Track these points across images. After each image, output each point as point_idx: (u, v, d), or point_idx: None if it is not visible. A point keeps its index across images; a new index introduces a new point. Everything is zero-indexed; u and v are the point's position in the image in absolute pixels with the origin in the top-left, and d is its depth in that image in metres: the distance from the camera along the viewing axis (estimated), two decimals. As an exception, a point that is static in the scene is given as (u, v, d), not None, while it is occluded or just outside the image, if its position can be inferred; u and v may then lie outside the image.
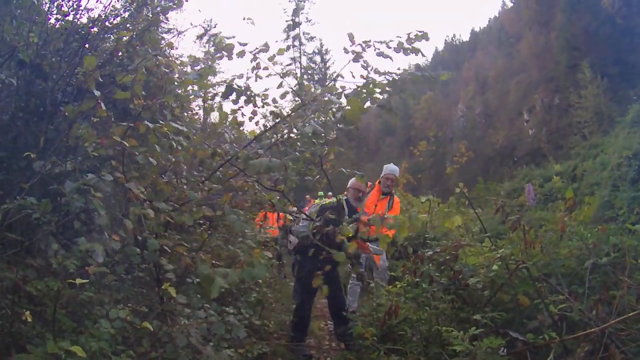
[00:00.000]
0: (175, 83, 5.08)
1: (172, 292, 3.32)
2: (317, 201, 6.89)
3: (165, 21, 5.93)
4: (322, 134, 3.80)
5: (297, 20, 47.96)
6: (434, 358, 3.58)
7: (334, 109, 3.78)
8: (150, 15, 6.00)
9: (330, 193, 22.69)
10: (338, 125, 3.69)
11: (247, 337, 4.19)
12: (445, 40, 73.70)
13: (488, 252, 3.87)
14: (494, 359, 3.03)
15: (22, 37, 4.40)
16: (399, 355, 3.76)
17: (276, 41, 63.16)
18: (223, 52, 4.04)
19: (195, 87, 4.18)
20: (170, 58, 5.72)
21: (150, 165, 3.79)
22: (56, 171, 3.48)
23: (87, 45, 4.90)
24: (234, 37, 4.05)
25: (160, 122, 3.90)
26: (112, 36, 5.45)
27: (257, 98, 4.20)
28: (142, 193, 3.48)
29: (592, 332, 2.99)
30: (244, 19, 4.46)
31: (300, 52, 48.67)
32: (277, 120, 4.31)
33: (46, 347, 2.62)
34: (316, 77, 48.75)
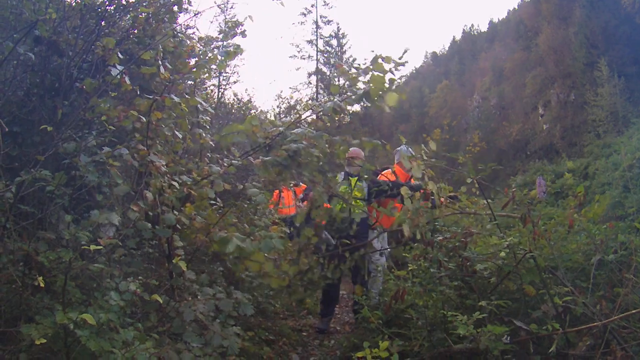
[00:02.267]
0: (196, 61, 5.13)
1: (182, 266, 3.37)
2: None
3: (189, 4, 5.93)
4: (343, 111, 3.83)
5: (314, 3, 47.71)
6: (437, 343, 3.61)
7: (357, 86, 3.77)
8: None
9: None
10: (360, 102, 3.68)
11: (254, 316, 4.24)
12: (463, 29, 73.22)
13: (496, 241, 3.88)
14: (497, 345, 3.05)
15: (41, 13, 4.43)
16: (403, 340, 3.79)
17: (293, 23, 62.76)
18: (237, 30, 4.10)
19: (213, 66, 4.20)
20: (190, 39, 5.74)
21: (176, 138, 3.87)
22: (72, 147, 3.52)
23: (103, 23, 4.93)
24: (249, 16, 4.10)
25: (186, 95, 3.99)
26: (129, 15, 5.46)
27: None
28: (163, 166, 3.54)
29: (594, 326, 3.00)
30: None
31: (317, 35, 48.42)
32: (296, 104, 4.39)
33: (55, 317, 2.66)
34: (332, 61, 48.50)
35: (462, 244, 3.97)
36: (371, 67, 3.58)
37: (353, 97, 3.67)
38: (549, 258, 3.68)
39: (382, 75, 3.52)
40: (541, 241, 3.61)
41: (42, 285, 2.78)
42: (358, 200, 6.01)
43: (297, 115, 4.63)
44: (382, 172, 6.95)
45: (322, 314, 5.99)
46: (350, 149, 5.17)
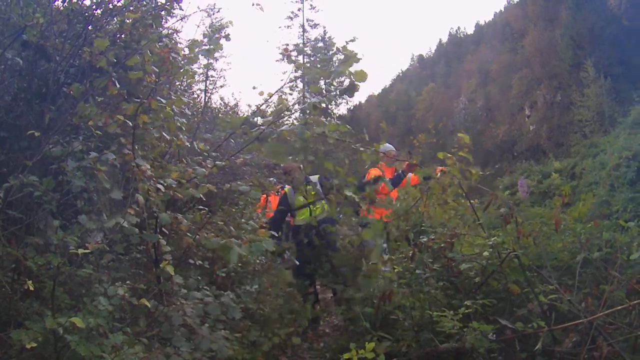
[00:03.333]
0: (181, 64, 5.14)
1: (170, 271, 3.38)
2: None
3: (179, 8, 5.92)
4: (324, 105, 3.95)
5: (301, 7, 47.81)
6: (425, 343, 3.64)
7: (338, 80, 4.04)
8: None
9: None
10: (341, 95, 3.93)
11: (243, 320, 4.24)
12: (450, 32, 73.78)
13: (481, 241, 3.92)
14: (482, 343, 3.09)
15: (29, 17, 4.42)
16: (390, 341, 3.81)
17: (279, 27, 62.87)
18: (220, 34, 4.15)
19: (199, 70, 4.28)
20: (176, 42, 5.75)
21: (164, 140, 3.90)
22: (59, 150, 3.52)
23: (90, 27, 4.91)
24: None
25: (173, 97, 4.01)
26: (115, 19, 5.45)
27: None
28: (148, 170, 3.56)
29: (580, 322, 3.04)
30: (253, 4, 4.55)
31: (303, 39, 48.44)
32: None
33: (44, 323, 2.66)
34: (319, 65, 48.56)
35: (447, 244, 4.01)
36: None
37: (334, 92, 3.85)
38: (535, 257, 3.72)
39: (363, 71, 3.86)
40: (525, 240, 3.65)
41: (31, 289, 2.78)
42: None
43: (281, 106, 4.72)
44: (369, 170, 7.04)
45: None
46: (283, 165, 5.29)
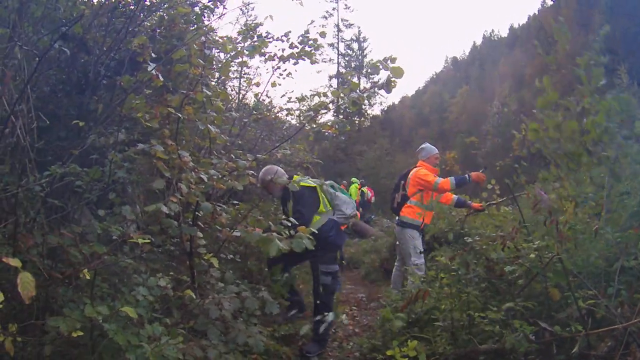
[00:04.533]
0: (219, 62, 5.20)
1: (214, 263, 3.41)
2: (354, 186, 6.66)
3: (224, 7, 5.99)
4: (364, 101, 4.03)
5: (335, 7, 47.89)
6: (462, 345, 3.62)
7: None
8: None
9: (362, 180, 22.53)
10: (378, 90, 4.00)
11: (273, 316, 4.25)
12: (484, 35, 73.28)
13: (524, 244, 3.89)
14: (523, 344, 3.08)
15: (76, 9, 4.49)
16: (424, 342, 3.80)
17: (314, 26, 63.17)
18: (256, 32, 4.21)
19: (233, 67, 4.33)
20: (220, 38, 5.81)
21: (208, 133, 3.93)
22: (103, 141, 3.57)
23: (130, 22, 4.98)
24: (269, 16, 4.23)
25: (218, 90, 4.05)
26: (155, 14, 5.51)
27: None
28: (190, 161, 3.59)
29: (615, 328, 3.02)
30: (292, -1, 4.63)
31: (338, 39, 48.52)
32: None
33: (83, 311, 2.69)
34: (353, 65, 48.63)
35: (490, 246, 3.99)
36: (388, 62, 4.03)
37: (372, 88, 3.93)
38: (574, 263, 3.68)
39: (400, 67, 4.00)
40: (567, 244, 3.62)
41: (87, 277, 2.80)
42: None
43: (319, 102, 4.74)
44: (410, 170, 7.01)
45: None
46: (263, 178, 4.83)
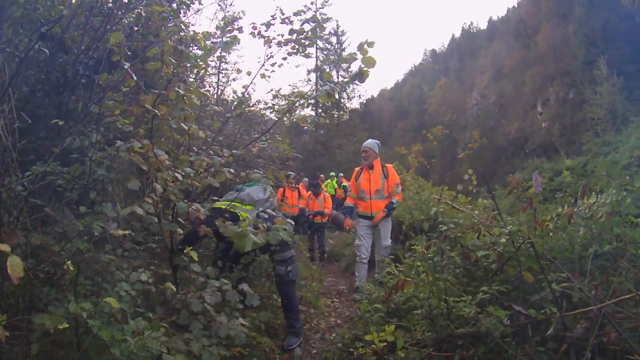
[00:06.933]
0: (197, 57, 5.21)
1: (194, 256, 3.46)
2: (328, 181, 6.74)
3: (199, 3, 5.99)
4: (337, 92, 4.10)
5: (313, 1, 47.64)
6: (440, 330, 3.71)
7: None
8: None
9: (341, 174, 22.61)
10: (351, 81, 4.00)
11: (256, 309, 4.31)
12: (462, 27, 73.41)
13: (497, 230, 3.99)
14: (498, 328, 3.17)
15: (55, 9, 4.50)
16: (404, 330, 3.89)
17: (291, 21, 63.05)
18: (233, 26, 4.23)
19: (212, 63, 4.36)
20: (194, 34, 5.81)
21: (180, 131, 3.95)
22: (79, 143, 3.58)
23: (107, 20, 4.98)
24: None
25: (191, 88, 4.08)
26: (132, 13, 5.52)
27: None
28: (166, 159, 3.62)
29: (590, 310, 3.10)
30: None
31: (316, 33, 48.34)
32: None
33: (66, 308, 2.72)
34: (331, 58, 48.52)
35: (464, 234, 4.09)
36: (358, 51, 4.11)
37: (346, 80, 3.97)
38: (548, 248, 3.79)
39: (372, 57, 4.08)
40: (541, 230, 3.73)
41: (71, 268, 2.82)
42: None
43: (297, 92, 4.78)
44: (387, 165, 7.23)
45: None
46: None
